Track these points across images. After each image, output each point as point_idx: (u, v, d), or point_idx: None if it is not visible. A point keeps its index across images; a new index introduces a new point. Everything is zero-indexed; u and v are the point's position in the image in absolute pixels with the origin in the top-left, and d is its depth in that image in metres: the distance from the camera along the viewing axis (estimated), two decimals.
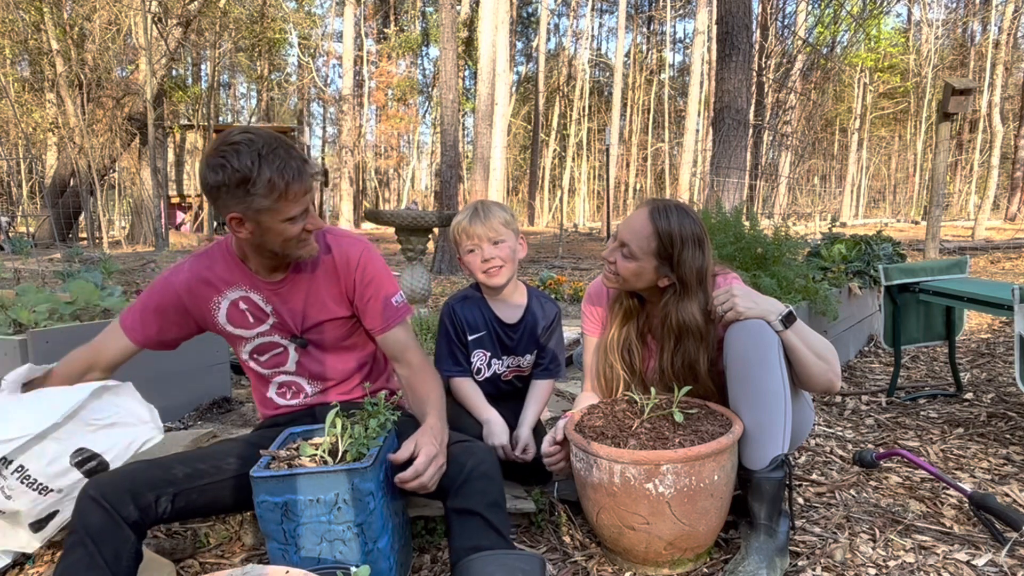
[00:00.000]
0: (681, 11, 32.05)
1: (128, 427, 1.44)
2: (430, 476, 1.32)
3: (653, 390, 1.60)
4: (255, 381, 1.66)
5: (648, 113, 33.40)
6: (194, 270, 1.52)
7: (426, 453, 1.32)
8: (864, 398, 2.87)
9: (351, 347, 1.63)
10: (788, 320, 1.46)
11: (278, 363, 1.59)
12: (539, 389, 1.88)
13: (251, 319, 1.53)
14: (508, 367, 1.88)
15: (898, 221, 21.10)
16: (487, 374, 1.86)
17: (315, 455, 1.29)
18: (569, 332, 3.83)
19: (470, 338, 1.83)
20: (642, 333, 1.71)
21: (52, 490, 1.34)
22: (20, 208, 17.06)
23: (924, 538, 1.61)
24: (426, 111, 32.97)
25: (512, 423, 1.78)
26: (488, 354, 1.85)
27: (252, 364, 1.60)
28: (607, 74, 34.14)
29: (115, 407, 1.44)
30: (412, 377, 1.56)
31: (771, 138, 18.80)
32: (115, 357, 1.52)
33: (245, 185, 1.29)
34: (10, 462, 1.31)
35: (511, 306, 1.87)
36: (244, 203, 1.31)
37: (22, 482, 1.32)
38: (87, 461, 1.36)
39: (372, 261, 1.55)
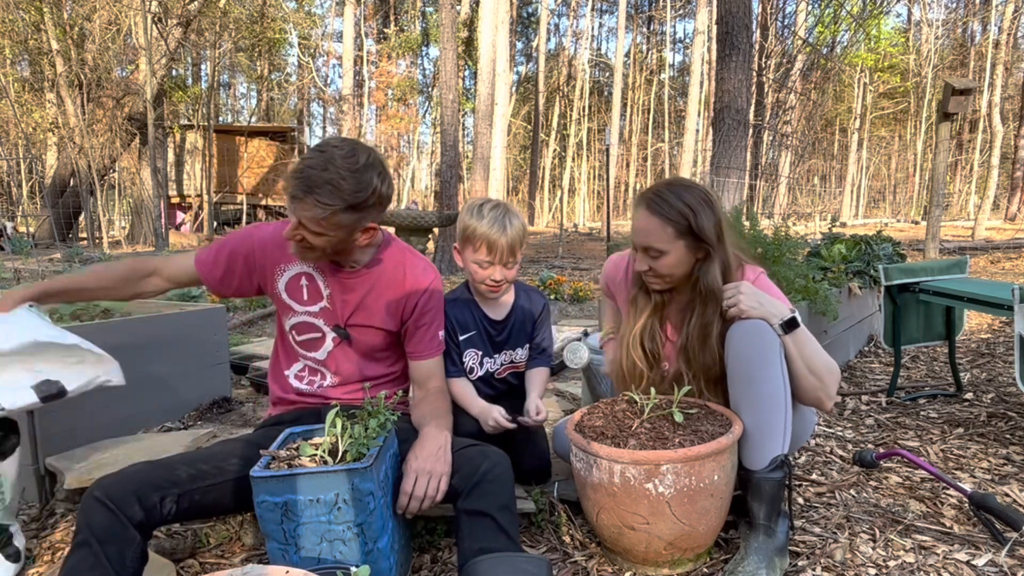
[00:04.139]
0: (681, 11, 32.07)
1: (92, 365, 1.48)
2: (422, 487, 1.34)
3: (653, 390, 1.60)
4: (280, 356, 1.70)
5: (648, 113, 33.42)
6: (276, 233, 1.59)
7: (413, 470, 1.36)
8: (864, 398, 2.87)
9: (380, 360, 1.69)
10: (789, 327, 1.46)
11: (312, 348, 1.64)
12: (536, 375, 1.92)
13: (305, 296, 1.59)
14: (502, 364, 1.90)
15: (898, 221, 21.08)
16: (480, 373, 1.87)
17: (315, 455, 1.29)
18: (569, 331, 3.83)
19: (461, 338, 1.84)
20: (662, 319, 1.71)
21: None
22: (20, 208, 17.07)
23: (924, 538, 1.61)
24: (426, 111, 32.97)
25: None
26: (480, 353, 1.86)
27: (290, 337, 1.65)
28: (607, 74, 34.15)
29: (94, 359, 1.47)
30: (426, 398, 1.64)
31: (771, 138, 18.79)
32: (180, 275, 1.61)
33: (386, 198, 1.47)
34: None
35: (499, 304, 1.89)
36: (380, 212, 1.48)
37: None
38: (49, 391, 1.38)
39: (439, 292, 1.67)
